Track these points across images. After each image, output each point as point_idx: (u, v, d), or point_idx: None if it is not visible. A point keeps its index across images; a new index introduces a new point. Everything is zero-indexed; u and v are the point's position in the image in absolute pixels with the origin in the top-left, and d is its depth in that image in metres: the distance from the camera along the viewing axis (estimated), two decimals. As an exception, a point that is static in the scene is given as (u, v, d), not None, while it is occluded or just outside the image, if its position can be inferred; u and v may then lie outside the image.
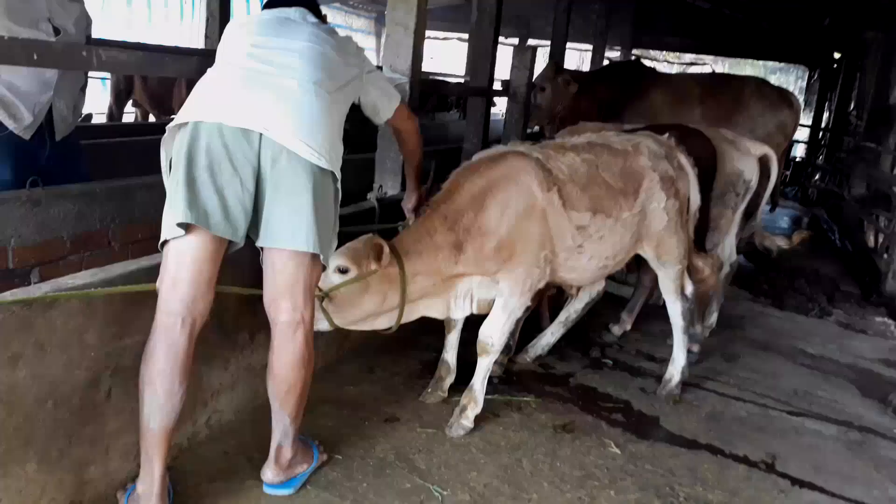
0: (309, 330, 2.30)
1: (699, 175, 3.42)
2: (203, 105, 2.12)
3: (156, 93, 6.88)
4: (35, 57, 2.21)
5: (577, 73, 6.33)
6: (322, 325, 2.57)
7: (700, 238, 3.66)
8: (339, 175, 2.24)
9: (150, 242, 3.04)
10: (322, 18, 2.59)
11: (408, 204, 3.09)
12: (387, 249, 2.56)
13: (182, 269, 2.06)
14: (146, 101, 7.03)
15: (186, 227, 2.03)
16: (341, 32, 2.64)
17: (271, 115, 2.10)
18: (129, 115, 7.69)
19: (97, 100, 8.11)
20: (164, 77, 6.57)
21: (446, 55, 15.68)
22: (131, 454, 2.27)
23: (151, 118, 7.24)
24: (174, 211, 2.03)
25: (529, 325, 3.83)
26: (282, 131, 2.08)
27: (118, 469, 2.27)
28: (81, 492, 2.14)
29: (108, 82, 7.87)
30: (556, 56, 7.29)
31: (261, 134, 2.08)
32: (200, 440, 2.63)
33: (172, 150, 2.14)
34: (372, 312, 2.69)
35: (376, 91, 2.66)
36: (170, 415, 2.07)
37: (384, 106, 2.71)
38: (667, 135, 3.40)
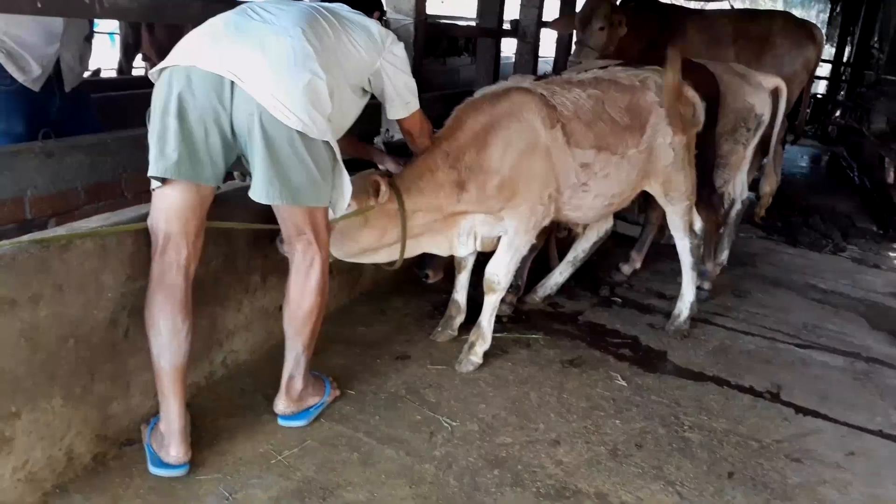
0: (325, 260, 2.39)
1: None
2: (179, 52, 2.12)
3: (163, 45, 6.84)
4: (39, 5, 2.24)
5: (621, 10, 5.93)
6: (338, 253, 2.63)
7: (705, 174, 3.64)
8: (317, 130, 2.15)
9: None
10: (368, 13, 2.51)
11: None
12: (384, 186, 2.59)
13: (170, 224, 2.12)
14: (153, 53, 6.99)
15: (162, 179, 2.09)
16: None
17: (244, 64, 2.06)
18: (139, 70, 7.69)
19: (107, 55, 8.11)
20: (171, 29, 6.54)
21: (457, -1, 15.35)
22: (151, 391, 2.36)
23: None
24: (150, 163, 2.10)
25: (538, 266, 3.88)
26: (255, 84, 2.05)
27: (139, 405, 2.38)
28: (105, 426, 2.25)
29: (117, 38, 7.87)
30: (568, -3, 7.12)
31: (232, 83, 2.05)
32: (217, 379, 2.73)
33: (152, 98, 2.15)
34: (369, 247, 2.74)
35: (389, 87, 2.50)
36: (177, 352, 2.16)
37: (392, 105, 2.56)
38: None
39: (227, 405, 2.60)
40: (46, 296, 1.97)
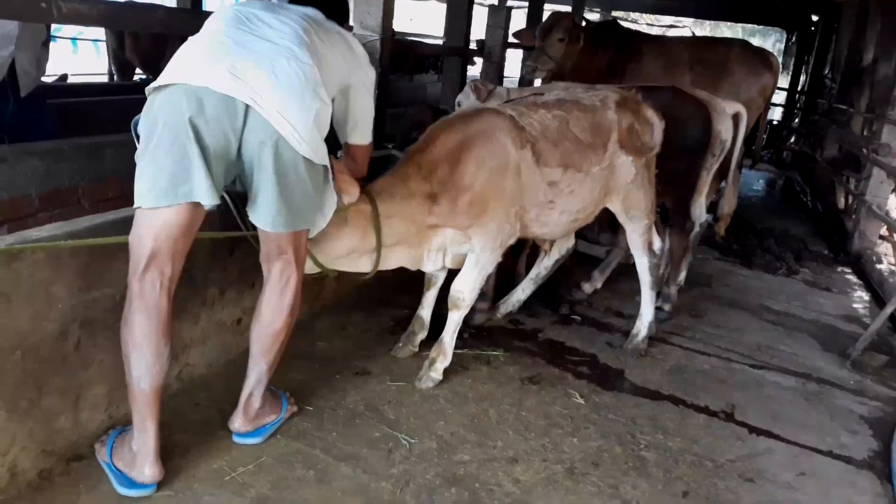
0: (299, 280, 2.37)
1: None
2: (181, 68, 2.04)
3: (148, 53, 6.66)
4: (-7, 8, 2.19)
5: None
6: (307, 266, 2.59)
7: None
8: (318, 157, 2.18)
9: (121, 201, 3.04)
10: (340, 23, 2.53)
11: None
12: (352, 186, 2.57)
13: (160, 243, 2.04)
14: (137, 61, 6.84)
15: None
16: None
17: (259, 88, 2.03)
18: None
19: (68, 62, 7.97)
20: (156, 37, 6.34)
21: (426, 16, 15.50)
22: (101, 405, 2.31)
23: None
24: (145, 183, 2.02)
25: (500, 283, 3.89)
26: (272, 110, 2.03)
27: (89, 420, 2.31)
28: (52, 441, 2.18)
29: (80, 44, 7.74)
30: (534, 17, 7.24)
31: (247, 106, 2.02)
32: (172, 393, 2.66)
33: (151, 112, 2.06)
34: (354, 248, 2.71)
35: (356, 109, 2.54)
36: (159, 374, 2.11)
37: (354, 129, 2.60)
38: (633, 89, 3.43)
39: (181, 420, 2.53)
40: (-7, 306, 1.91)
